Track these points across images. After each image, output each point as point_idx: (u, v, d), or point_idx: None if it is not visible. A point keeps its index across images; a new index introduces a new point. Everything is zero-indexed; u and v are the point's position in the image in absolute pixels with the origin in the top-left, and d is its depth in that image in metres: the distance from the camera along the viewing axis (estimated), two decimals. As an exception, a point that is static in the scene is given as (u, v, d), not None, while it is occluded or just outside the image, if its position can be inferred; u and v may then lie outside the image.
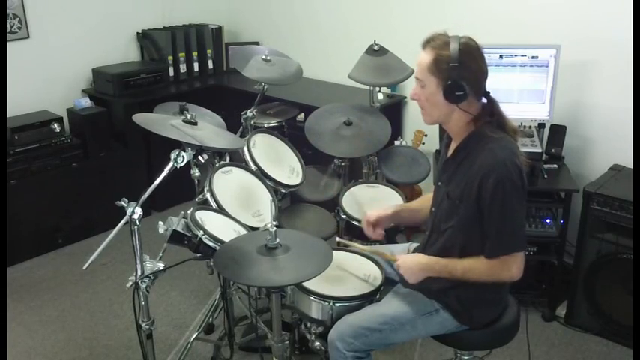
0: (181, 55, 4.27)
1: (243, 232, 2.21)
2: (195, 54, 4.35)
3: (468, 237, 1.82)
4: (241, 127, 2.87)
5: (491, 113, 1.83)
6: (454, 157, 1.89)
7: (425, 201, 2.14)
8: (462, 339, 1.93)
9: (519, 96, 2.98)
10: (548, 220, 2.92)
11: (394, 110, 3.75)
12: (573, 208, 2.84)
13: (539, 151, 2.90)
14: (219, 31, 4.45)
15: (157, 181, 1.82)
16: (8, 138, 3.45)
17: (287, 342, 2.05)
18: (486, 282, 1.80)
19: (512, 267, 1.77)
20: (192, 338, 2.60)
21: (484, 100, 1.83)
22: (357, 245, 2.19)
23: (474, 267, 1.79)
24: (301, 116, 3.35)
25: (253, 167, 2.53)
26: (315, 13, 4.18)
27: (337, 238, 2.24)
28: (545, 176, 2.89)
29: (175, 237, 1.99)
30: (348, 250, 2.24)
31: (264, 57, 2.86)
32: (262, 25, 4.57)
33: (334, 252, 1.86)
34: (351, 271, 2.13)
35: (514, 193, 1.73)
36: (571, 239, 2.91)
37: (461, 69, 1.73)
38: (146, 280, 1.85)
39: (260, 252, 1.79)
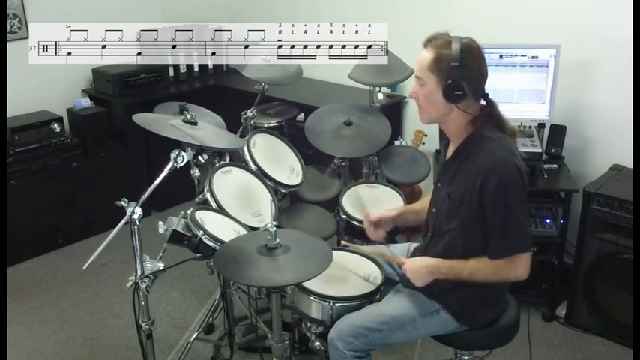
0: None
1: (243, 232, 2.21)
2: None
3: (470, 238, 1.82)
4: (241, 127, 2.87)
5: (490, 115, 1.83)
6: (454, 158, 1.89)
7: (426, 202, 2.13)
8: (462, 339, 1.93)
9: (519, 96, 2.97)
10: (548, 220, 2.92)
11: (394, 110, 3.75)
12: (573, 208, 2.84)
13: (539, 151, 2.89)
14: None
15: (157, 181, 1.82)
16: (8, 138, 3.45)
17: (287, 342, 2.05)
18: (493, 282, 1.80)
19: (518, 267, 1.77)
20: (192, 338, 2.60)
21: (483, 102, 1.84)
22: (362, 247, 2.19)
23: (479, 268, 1.79)
24: (301, 116, 3.35)
25: (253, 167, 2.53)
26: (316, 12, 4.18)
27: (342, 242, 2.22)
28: (545, 176, 2.89)
29: (175, 237, 1.99)
30: (350, 251, 2.24)
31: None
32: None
33: (334, 252, 1.86)
34: (351, 271, 2.13)
35: (516, 193, 1.73)
36: (571, 239, 2.91)
37: (461, 69, 1.73)
38: (146, 280, 1.85)
39: (260, 252, 1.79)
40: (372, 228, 2.15)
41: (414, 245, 2.17)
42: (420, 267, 1.89)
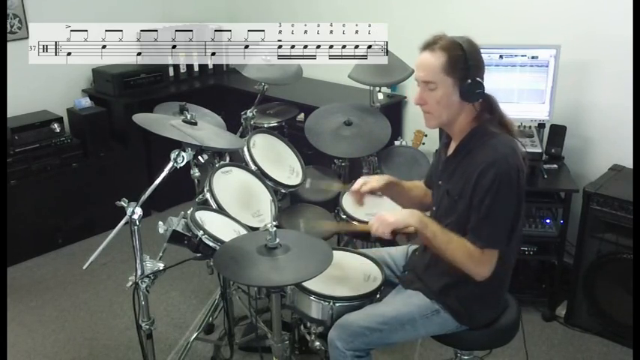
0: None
1: (244, 232, 2.21)
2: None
3: (465, 232, 1.81)
4: (241, 127, 2.88)
5: (491, 110, 1.83)
6: (455, 155, 1.88)
7: (415, 186, 2.14)
8: (462, 339, 1.93)
9: (519, 96, 2.97)
10: (548, 220, 2.92)
11: (394, 110, 3.75)
12: (573, 208, 2.84)
13: (539, 151, 2.90)
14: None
15: (157, 181, 1.82)
16: (8, 138, 3.45)
17: (287, 342, 2.05)
18: (456, 264, 1.77)
19: (485, 264, 1.76)
20: (192, 338, 2.60)
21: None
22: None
23: (457, 244, 1.77)
24: (301, 116, 3.35)
25: (253, 167, 2.53)
26: (316, 12, 4.18)
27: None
28: (545, 176, 2.89)
29: (175, 237, 1.99)
30: (350, 251, 2.24)
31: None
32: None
33: (334, 252, 1.86)
34: (351, 271, 2.13)
35: (508, 191, 1.72)
36: (571, 239, 2.91)
37: (476, 68, 1.75)
38: (146, 280, 1.85)
39: (260, 252, 1.79)
40: (357, 195, 2.07)
41: (412, 247, 2.17)
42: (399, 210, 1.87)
